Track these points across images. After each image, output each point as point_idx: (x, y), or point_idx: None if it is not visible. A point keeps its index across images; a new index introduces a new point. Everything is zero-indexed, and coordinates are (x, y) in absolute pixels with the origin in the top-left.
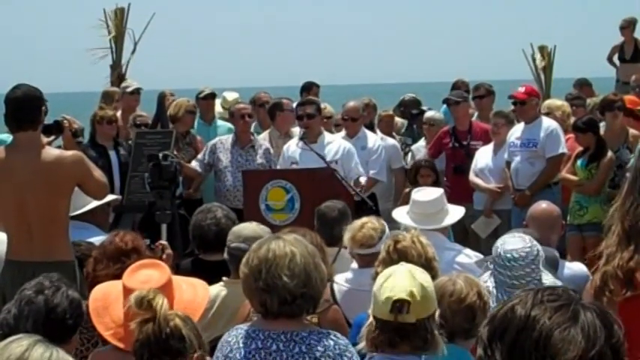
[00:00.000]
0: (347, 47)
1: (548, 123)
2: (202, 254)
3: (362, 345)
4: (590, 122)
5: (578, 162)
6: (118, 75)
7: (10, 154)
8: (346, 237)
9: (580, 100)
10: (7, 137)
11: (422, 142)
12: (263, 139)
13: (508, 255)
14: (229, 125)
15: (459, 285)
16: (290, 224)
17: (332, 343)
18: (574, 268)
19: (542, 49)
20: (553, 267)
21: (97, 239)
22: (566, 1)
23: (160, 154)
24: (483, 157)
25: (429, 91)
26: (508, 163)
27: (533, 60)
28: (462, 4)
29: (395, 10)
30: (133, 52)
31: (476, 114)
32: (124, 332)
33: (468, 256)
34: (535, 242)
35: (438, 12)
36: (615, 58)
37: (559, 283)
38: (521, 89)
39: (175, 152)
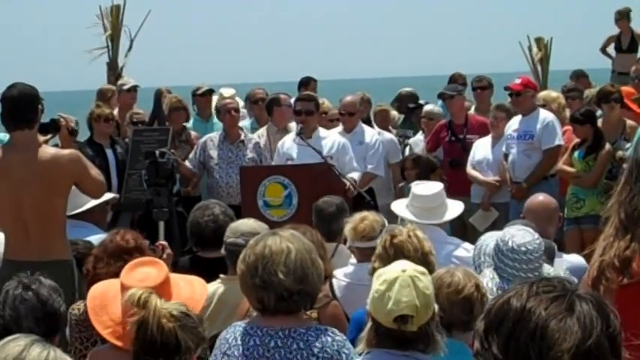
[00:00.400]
0: (343, 42)
1: (544, 115)
2: (200, 251)
3: (361, 347)
4: (587, 114)
5: (575, 154)
6: (114, 73)
7: (7, 153)
8: (347, 228)
9: (576, 92)
10: (4, 136)
11: (420, 136)
12: (261, 134)
13: (522, 248)
14: None
15: (456, 277)
16: (288, 220)
17: (330, 339)
18: (571, 259)
19: (538, 41)
20: (550, 258)
21: (95, 238)
22: None
23: (157, 152)
24: (481, 149)
25: (425, 85)
26: (506, 156)
27: (530, 52)
28: None
29: (392, 4)
30: (130, 49)
31: (473, 107)
32: (122, 331)
33: (467, 249)
34: (538, 234)
35: (434, 5)
36: (611, 49)
37: (561, 273)
38: (517, 80)
39: (172, 150)
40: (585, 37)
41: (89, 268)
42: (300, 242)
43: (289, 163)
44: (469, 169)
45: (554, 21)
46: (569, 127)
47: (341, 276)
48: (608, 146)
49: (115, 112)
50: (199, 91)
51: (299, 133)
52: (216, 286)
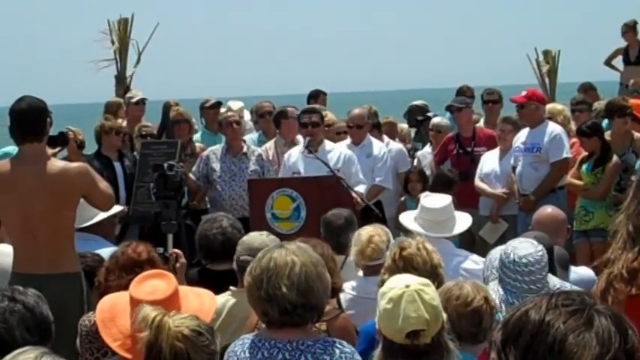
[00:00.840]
0: (352, 54)
1: (552, 128)
2: (209, 264)
3: None
4: (594, 126)
5: (584, 167)
6: (122, 86)
7: (16, 166)
8: (354, 251)
9: (584, 105)
10: (13, 149)
11: (428, 149)
12: (268, 147)
13: (523, 260)
14: None
15: (465, 289)
16: (296, 233)
17: (338, 351)
18: (580, 272)
19: (546, 53)
20: (563, 267)
21: (104, 251)
22: (569, 6)
23: (165, 164)
24: (489, 162)
25: (434, 98)
26: (514, 168)
27: (538, 64)
28: (467, 10)
29: (400, 17)
30: (138, 62)
31: (482, 119)
32: (132, 343)
33: (475, 262)
34: (541, 246)
35: (442, 18)
36: (618, 61)
37: (567, 285)
38: (523, 93)
39: (181, 164)
40: (593, 50)
41: (101, 280)
42: (306, 255)
43: (296, 176)
44: (477, 182)
45: (562, 33)
46: (575, 140)
47: (348, 289)
48: (615, 158)
49: (123, 124)
50: (207, 104)
51: (307, 146)
52: (226, 299)
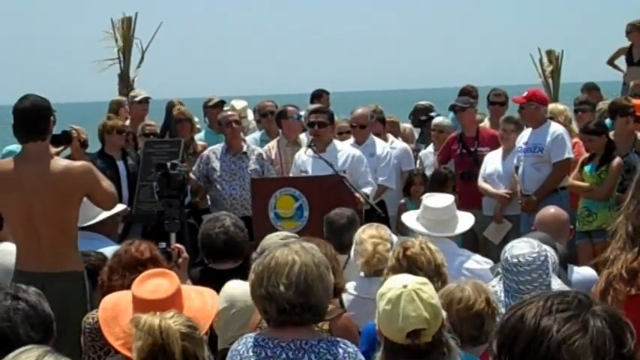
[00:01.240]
0: (355, 54)
1: (554, 128)
2: (211, 263)
3: None
4: (602, 125)
5: (586, 168)
6: (125, 85)
7: (19, 165)
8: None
9: (587, 105)
10: (17, 148)
11: (430, 149)
12: (271, 147)
13: (515, 260)
14: None
15: (467, 292)
16: (299, 232)
17: (341, 351)
18: (583, 272)
19: (549, 53)
20: (563, 267)
21: (107, 249)
22: (573, 6)
23: (169, 163)
24: (492, 162)
25: (437, 97)
26: (517, 168)
27: (541, 65)
28: (470, 10)
29: (403, 17)
30: (141, 61)
31: (486, 119)
32: None
33: (478, 261)
34: (544, 247)
35: (445, 18)
36: (621, 61)
37: (567, 289)
38: (524, 93)
39: (185, 163)
40: (597, 50)
41: (104, 280)
42: (309, 255)
43: (298, 175)
44: (480, 182)
45: (565, 34)
46: (577, 141)
47: (350, 289)
48: (618, 158)
49: (127, 123)
50: (210, 103)
51: (309, 146)
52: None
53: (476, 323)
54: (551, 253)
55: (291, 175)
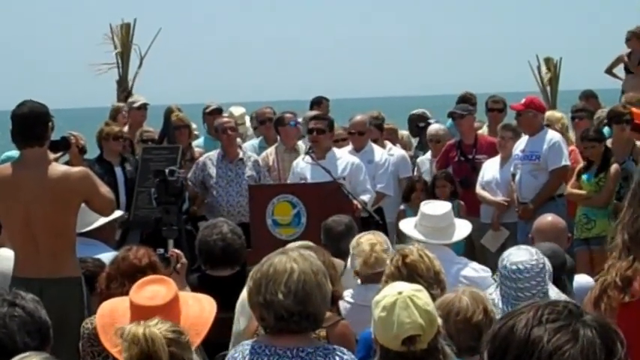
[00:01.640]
0: (354, 61)
1: (551, 135)
2: (209, 270)
3: None
4: (601, 132)
5: (584, 177)
6: (124, 90)
7: (17, 170)
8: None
9: (584, 112)
10: (15, 153)
11: (427, 155)
12: (269, 153)
13: (514, 267)
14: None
15: (464, 302)
16: (297, 239)
17: (338, 359)
18: (580, 280)
19: (547, 61)
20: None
21: (105, 256)
22: (571, 14)
23: (167, 170)
24: (490, 169)
25: (436, 105)
26: (513, 176)
27: (539, 72)
28: (469, 17)
29: (403, 24)
30: (139, 67)
31: (485, 126)
32: None
33: (475, 269)
34: (542, 255)
35: (446, 26)
36: (620, 69)
37: (563, 297)
38: (522, 100)
39: (183, 170)
40: (595, 58)
41: (102, 288)
42: (307, 263)
43: (296, 182)
44: (478, 189)
45: (563, 41)
46: (573, 148)
47: (347, 297)
48: (616, 165)
49: (125, 129)
50: (208, 110)
51: (307, 153)
52: None
53: (474, 334)
54: (547, 262)
55: (289, 181)
